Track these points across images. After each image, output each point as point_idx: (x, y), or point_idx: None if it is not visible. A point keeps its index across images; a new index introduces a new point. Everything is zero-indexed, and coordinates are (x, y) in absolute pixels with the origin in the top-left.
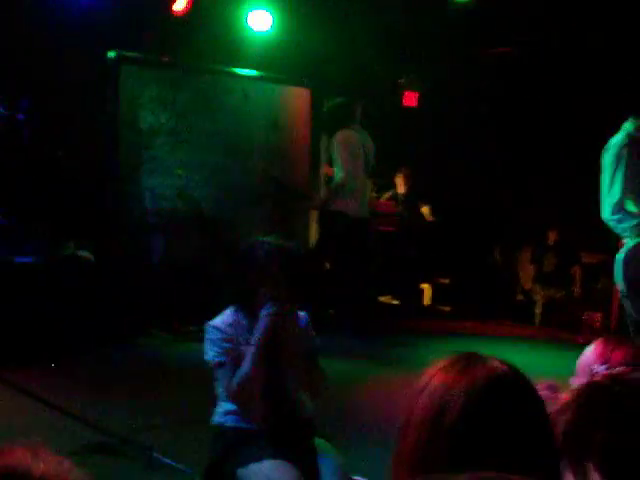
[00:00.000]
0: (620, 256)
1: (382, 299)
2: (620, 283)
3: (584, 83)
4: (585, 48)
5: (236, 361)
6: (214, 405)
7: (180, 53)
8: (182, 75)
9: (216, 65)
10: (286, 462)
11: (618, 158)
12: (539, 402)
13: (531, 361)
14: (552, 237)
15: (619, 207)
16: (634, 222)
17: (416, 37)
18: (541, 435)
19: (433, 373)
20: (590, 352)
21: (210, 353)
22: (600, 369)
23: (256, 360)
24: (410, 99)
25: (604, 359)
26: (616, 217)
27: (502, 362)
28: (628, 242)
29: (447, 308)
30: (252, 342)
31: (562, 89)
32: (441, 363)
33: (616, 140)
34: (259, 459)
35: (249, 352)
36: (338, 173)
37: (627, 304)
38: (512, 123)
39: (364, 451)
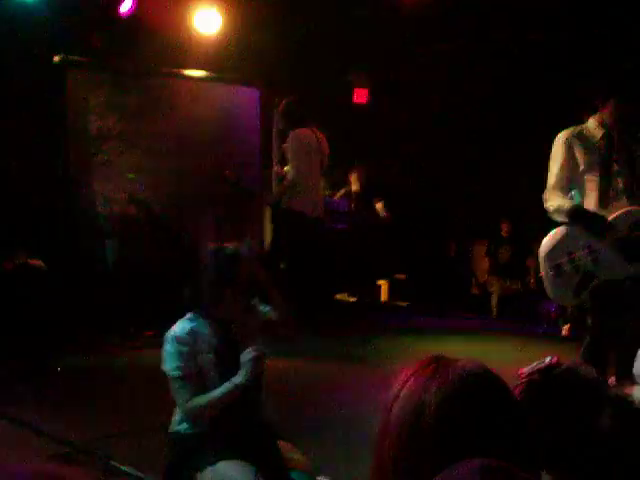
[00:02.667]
0: None
1: (339, 297)
2: None
3: (531, 75)
4: (530, 41)
5: (195, 377)
6: (170, 412)
7: (127, 56)
8: (130, 78)
9: (164, 67)
10: (241, 461)
11: (556, 149)
12: (510, 397)
13: (490, 353)
14: (505, 229)
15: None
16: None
17: (364, 33)
18: (515, 427)
19: (405, 378)
20: None
21: (169, 365)
22: None
23: (230, 399)
24: (360, 96)
25: None
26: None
27: (471, 361)
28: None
29: (404, 303)
30: (234, 381)
31: (511, 82)
32: (412, 368)
33: (562, 134)
34: (214, 462)
35: (225, 387)
36: (290, 171)
37: None
38: (462, 116)
39: (326, 450)
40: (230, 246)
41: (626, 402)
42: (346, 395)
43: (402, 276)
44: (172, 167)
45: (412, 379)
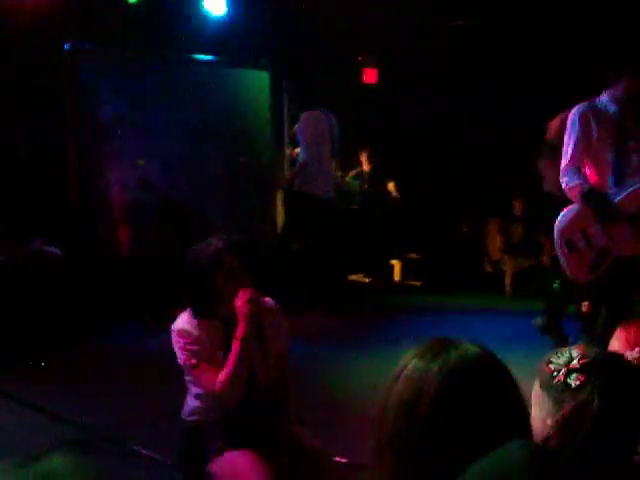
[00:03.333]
0: None
1: (352, 277)
2: None
3: (546, 51)
4: (542, 16)
5: (208, 361)
6: (184, 395)
7: (137, 43)
8: (140, 65)
9: (174, 52)
10: (250, 450)
11: (572, 125)
12: (511, 383)
13: (504, 331)
14: (518, 207)
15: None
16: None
17: (372, 13)
18: (514, 414)
19: (408, 359)
20: (616, 342)
21: (181, 357)
22: (632, 355)
23: (242, 356)
24: (370, 76)
25: (634, 344)
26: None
27: (475, 345)
28: None
29: (417, 283)
30: (236, 336)
31: (523, 58)
32: (416, 349)
33: (577, 108)
34: (223, 451)
35: (234, 347)
36: (301, 154)
37: None
38: (473, 95)
39: (341, 433)
40: (227, 238)
41: None
42: (360, 377)
43: (415, 255)
44: (185, 153)
45: (414, 360)
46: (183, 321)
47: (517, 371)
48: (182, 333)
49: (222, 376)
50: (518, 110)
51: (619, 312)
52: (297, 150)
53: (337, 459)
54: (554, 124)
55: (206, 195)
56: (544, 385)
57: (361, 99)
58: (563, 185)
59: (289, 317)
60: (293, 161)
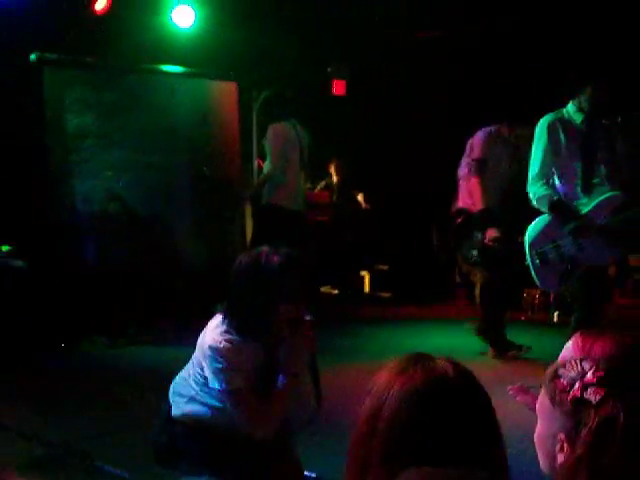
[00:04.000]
0: None
1: (322, 289)
2: None
3: (513, 63)
4: (508, 26)
5: (248, 387)
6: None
7: (104, 53)
8: (107, 75)
9: (141, 63)
10: None
11: (540, 135)
12: (484, 403)
13: (475, 341)
14: None
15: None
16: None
17: (340, 24)
18: (484, 435)
19: (380, 373)
20: (570, 348)
21: (220, 379)
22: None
23: (291, 392)
24: (339, 87)
25: (584, 353)
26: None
27: (448, 363)
28: None
29: (387, 294)
30: (288, 370)
31: (488, 71)
32: (390, 363)
33: (544, 119)
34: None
35: (285, 383)
36: (268, 165)
37: None
38: (441, 106)
39: (313, 445)
40: (283, 250)
41: None
42: (332, 388)
43: (384, 267)
44: (152, 163)
45: (384, 376)
46: (224, 339)
47: (490, 386)
48: (224, 353)
49: (265, 411)
50: (487, 122)
51: (589, 322)
52: (266, 162)
53: (306, 473)
54: (477, 141)
55: (174, 207)
56: (554, 399)
57: (330, 111)
58: (531, 195)
59: None
60: (261, 172)
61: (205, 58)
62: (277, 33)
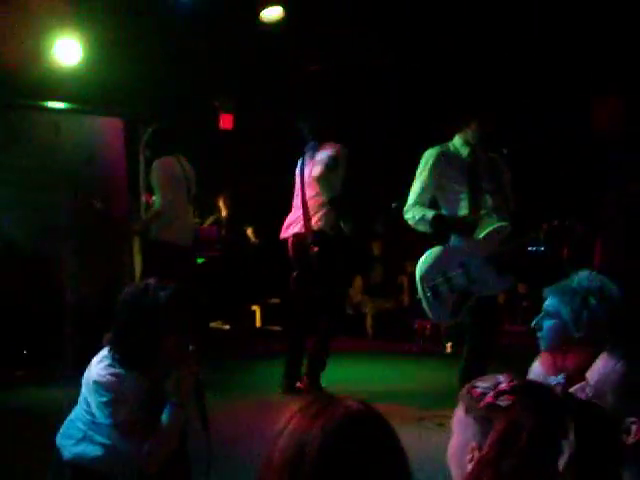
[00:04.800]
0: None
1: (213, 325)
2: None
3: (390, 98)
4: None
5: (132, 421)
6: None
7: None
8: None
9: (24, 99)
10: None
11: (423, 165)
12: (394, 437)
13: (369, 373)
14: (377, 249)
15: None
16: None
17: (227, 58)
18: (398, 466)
19: (291, 416)
20: (538, 367)
21: (103, 413)
22: (557, 380)
23: (178, 425)
24: (226, 121)
25: (557, 369)
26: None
27: (357, 401)
28: None
29: (278, 328)
30: (173, 401)
31: (381, 104)
32: (298, 406)
33: (428, 151)
34: None
35: (171, 414)
36: (157, 200)
37: None
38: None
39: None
40: (169, 284)
41: None
42: (225, 423)
43: (276, 300)
44: (38, 201)
45: (296, 417)
46: (108, 372)
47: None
48: (108, 386)
49: (153, 443)
50: (379, 152)
51: (481, 351)
52: (154, 197)
53: None
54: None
55: (59, 244)
56: (469, 408)
57: (218, 145)
58: (409, 221)
59: None
60: (147, 207)
61: (90, 94)
62: (163, 67)
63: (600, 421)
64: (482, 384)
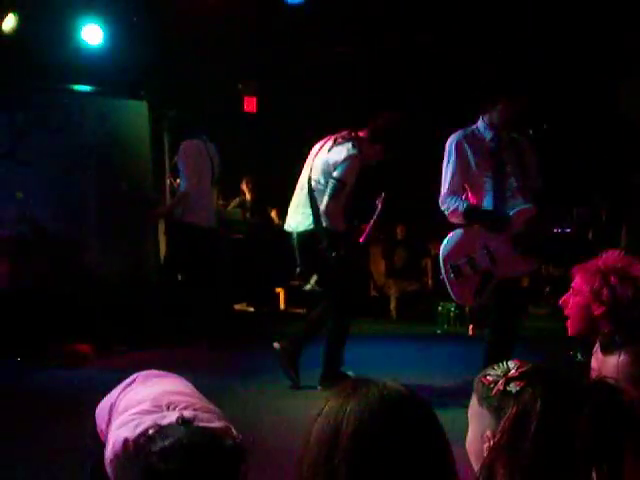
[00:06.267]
0: None
1: (237, 307)
2: None
3: (419, 81)
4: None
5: None
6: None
7: (11, 72)
8: (15, 95)
9: (51, 82)
10: None
11: (449, 153)
12: (433, 421)
13: (392, 356)
14: (400, 232)
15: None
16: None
17: (250, 41)
18: (436, 453)
19: (328, 398)
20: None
21: None
22: None
23: None
24: (250, 104)
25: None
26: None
27: (390, 382)
28: None
29: (302, 310)
30: None
31: (406, 85)
32: (336, 388)
33: (452, 136)
34: None
35: None
36: (183, 183)
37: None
38: (350, 122)
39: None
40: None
41: None
42: (253, 410)
43: (299, 283)
44: (64, 184)
45: (331, 400)
46: None
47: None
48: None
49: None
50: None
51: (504, 334)
52: (179, 180)
53: None
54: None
55: (86, 226)
56: (482, 398)
57: (241, 127)
58: (446, 212)
59: (175, 348)
60: (174, 190)
61: (115, 77)
62: (187, 51)
63: (618, 405)
64: (492, 372)
